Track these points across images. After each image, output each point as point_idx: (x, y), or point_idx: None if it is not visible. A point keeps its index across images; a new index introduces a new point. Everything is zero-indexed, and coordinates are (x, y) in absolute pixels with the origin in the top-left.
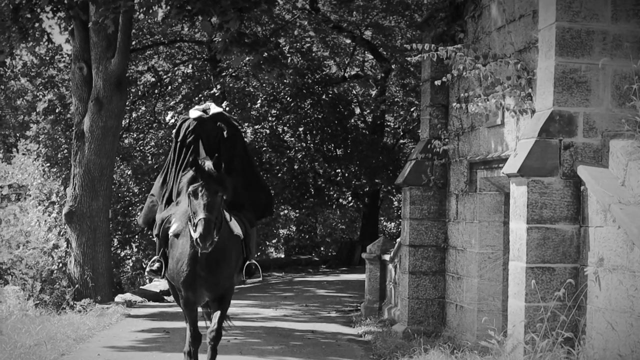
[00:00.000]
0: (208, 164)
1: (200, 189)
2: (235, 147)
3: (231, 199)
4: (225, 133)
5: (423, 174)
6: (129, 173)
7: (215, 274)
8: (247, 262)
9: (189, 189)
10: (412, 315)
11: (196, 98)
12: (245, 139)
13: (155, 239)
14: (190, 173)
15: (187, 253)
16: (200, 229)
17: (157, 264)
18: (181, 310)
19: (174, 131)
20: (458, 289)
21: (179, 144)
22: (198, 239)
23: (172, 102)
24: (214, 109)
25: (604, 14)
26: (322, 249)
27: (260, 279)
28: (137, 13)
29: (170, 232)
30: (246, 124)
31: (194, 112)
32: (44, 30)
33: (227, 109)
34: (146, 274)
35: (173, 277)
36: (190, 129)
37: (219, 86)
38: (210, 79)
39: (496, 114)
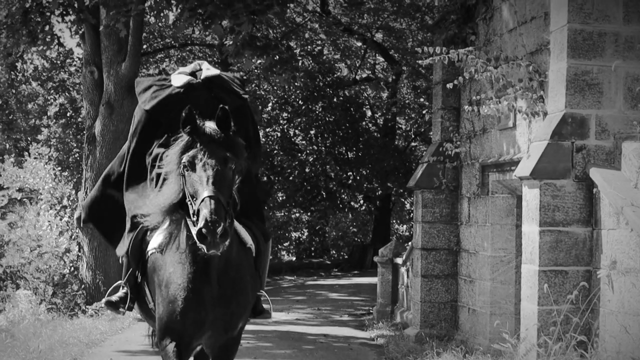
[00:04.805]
0: (209, 124)
1: (200, 155)
2: (242, 125)
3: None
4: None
5: (435, 177)
6: None
7: (230, 304)
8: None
9: (183, 159)
10: (425, 318)
11: None
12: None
13: (123, 258)
14: (182, 142)
15: (186, 272)
16: (205, 212)
17: (120, 293)
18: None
19: (139, 93)
20: (470, 292)
21: (148, 116)
22: (203, 229)
23: None
24: (207, 70)
25: (615, 15)
26: (333, 252)
27: (270, 319)
28: (148, 16)
29: (152, 246)
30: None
31: (179, 78)
32: (54, 33)
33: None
34: (103, 304)
35: (161, 316)
36: (172, 99)
37: None
38: None
39: (508, 117)
